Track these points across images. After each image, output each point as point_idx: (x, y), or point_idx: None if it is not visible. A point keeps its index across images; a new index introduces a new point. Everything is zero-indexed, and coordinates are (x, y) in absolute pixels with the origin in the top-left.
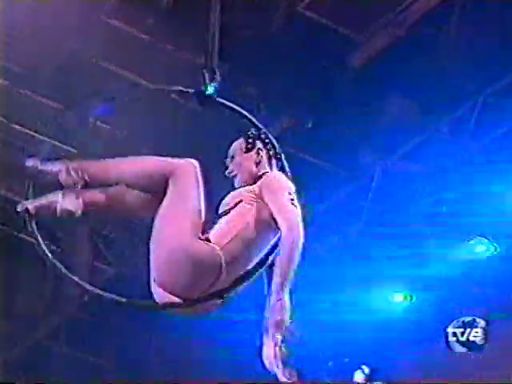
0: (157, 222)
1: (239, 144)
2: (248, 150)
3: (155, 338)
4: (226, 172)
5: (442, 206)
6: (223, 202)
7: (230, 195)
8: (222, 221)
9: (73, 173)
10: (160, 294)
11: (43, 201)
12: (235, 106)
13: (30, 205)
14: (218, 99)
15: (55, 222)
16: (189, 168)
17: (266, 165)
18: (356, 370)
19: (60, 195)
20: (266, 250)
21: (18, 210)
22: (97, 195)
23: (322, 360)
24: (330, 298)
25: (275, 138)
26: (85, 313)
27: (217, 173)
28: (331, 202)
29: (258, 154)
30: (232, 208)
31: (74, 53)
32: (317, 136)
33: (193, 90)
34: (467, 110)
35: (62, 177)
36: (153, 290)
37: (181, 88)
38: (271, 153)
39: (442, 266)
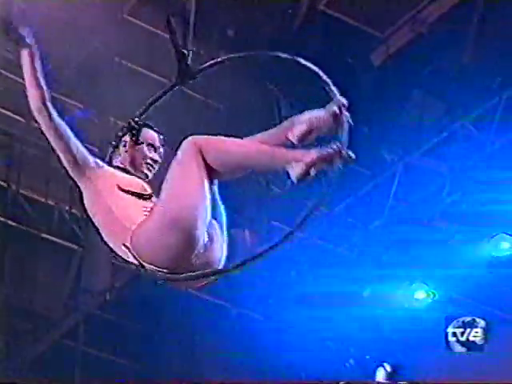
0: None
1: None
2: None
3: (176, 337)
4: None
5: (466, 203)
6: None
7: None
8: None
9: None
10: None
11: None
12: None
13: None
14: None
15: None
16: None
17: None
18: (378, 367)
19: None
20: None
21: None
22: None
23: (342, 358)
24: (351, 296)
25: None
26: (105, 311)
27: None
28: (353, 200)
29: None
30: None
31: (96, 51)
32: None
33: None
34: (491, 107)
35: None
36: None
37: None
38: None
39: (465, 263)
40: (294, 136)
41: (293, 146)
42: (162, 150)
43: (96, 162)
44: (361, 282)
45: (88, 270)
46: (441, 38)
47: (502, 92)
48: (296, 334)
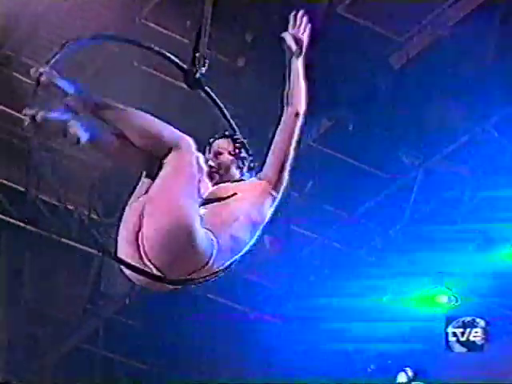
0: (158, 190)
1: (227, 144)
2: (234, 155)
3: (195, 341)
4: (208, 164)
5: (487, 208)
6: (209, 190)
7: (217, 186)
8: (216, 209)
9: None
10: (131, 257)
11: (53, 114)
12: (215, 98)
13: (39, 113)
14: (204, 86)
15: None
16: (192, 146)
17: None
18: (399, 372)
19: (71, 115)
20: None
21: (25, 113)
22: (105, 133)
23: (364, 362)
24: (372, 300)
25: (315, 139)
26: (124, 315)
27: None
28: (372, 204)
29: (243, 163)
30: (226, 198)
31: (113, 55)
32: (358, 137)
33: (185, 67)
34: None
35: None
36: (123, 249)
37: (175, 59)
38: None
39: (487, 267)
40: None
41: None
42: (223, 156)
43: None
44: (381, 287)
45: (107, 275)
46: (462, 40)
47: None
48: (315, 337)
